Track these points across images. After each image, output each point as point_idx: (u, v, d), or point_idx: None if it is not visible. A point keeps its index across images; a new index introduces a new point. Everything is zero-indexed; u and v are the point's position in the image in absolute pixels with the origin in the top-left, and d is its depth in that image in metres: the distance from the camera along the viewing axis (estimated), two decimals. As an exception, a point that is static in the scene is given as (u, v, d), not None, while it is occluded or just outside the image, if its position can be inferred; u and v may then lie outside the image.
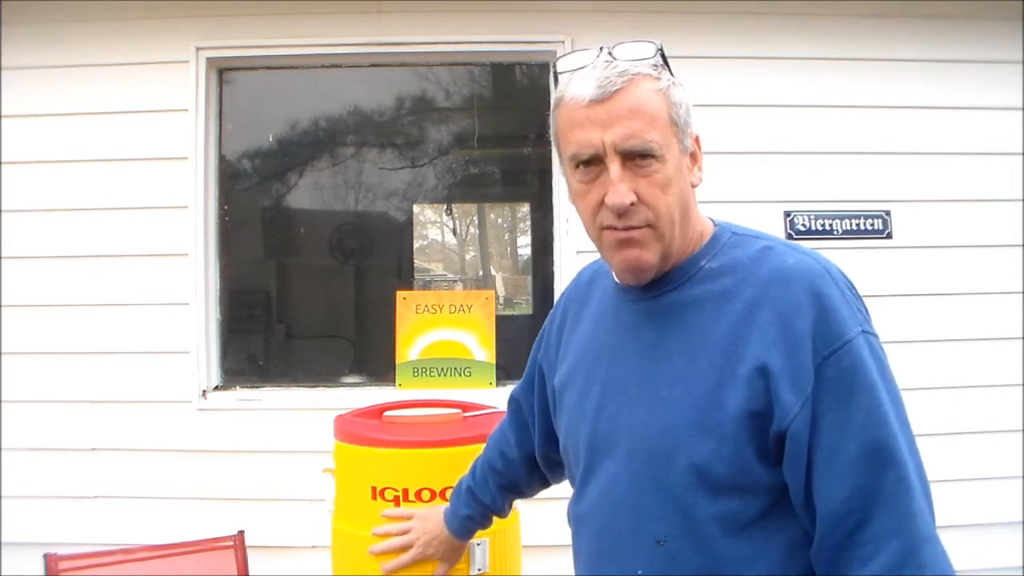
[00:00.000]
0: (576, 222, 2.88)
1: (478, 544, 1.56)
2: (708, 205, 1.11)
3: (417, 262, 3.37)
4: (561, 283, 2.92)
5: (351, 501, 1.76)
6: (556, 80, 1.02)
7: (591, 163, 0.98)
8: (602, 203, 0.97)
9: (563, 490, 1.27)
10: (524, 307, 3.39)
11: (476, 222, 3.62)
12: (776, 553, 0.96)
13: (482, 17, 2.92)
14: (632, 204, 0.96)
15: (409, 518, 1.53)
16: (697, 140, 1.05)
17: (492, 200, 3.55)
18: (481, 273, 3.61)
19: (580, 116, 0.97)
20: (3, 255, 2.88)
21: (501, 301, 3.33)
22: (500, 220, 3.62)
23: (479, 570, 1.56)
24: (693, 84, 1.07)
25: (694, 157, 1.04)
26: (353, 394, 2.87)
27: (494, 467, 1.43)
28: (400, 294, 2.96)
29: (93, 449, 2.84)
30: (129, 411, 2.85)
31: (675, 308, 1.03)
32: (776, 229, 2.83)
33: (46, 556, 1.99)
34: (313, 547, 2.71)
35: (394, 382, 2.91)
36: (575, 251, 2.87)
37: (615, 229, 0.98)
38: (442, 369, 2.90)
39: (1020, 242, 2.91)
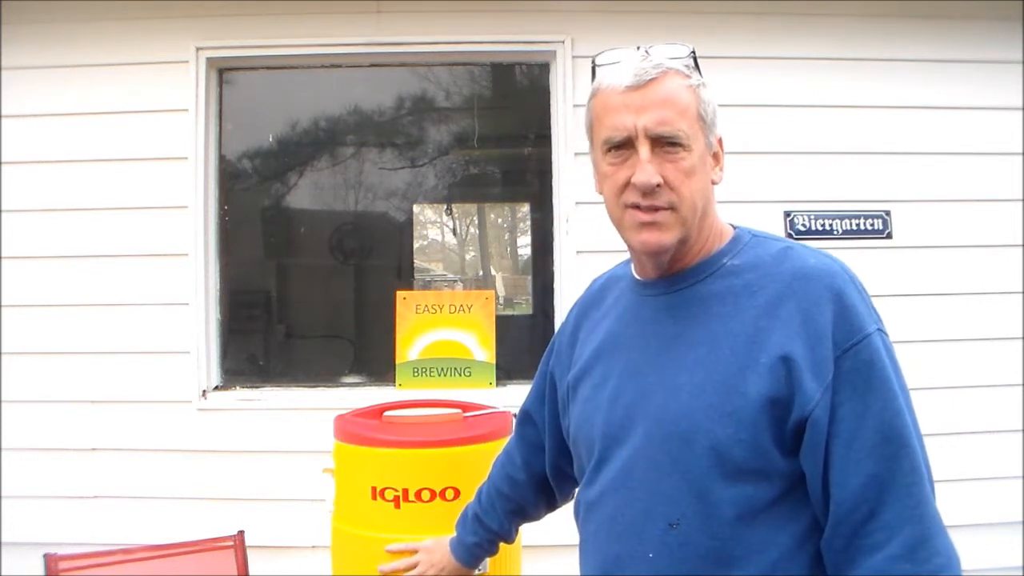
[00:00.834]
0: (576, 222, 2.90)
1: (478, 544, 1.56)
2: (708, 205, 1.11)
3: (417, 262, 3.37)
4: (561, 283, 2.92)
5: (351, 501, 1.76)
6: (594, 74, 1.11)
7: (622, 147, 1.04)
8: (628, 183, 1.03)
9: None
10: (524, 307, 3.39)
11: (476, 222, 3.62)
12: (786, 542, 0.98)
13: (482, 17, 2.92)
14: (658, 185, 1.01)
15: (415, 552, 1.52)
16: (720, 142, 1.11)
17: (492, 200, 3.55)
18: (481, 273, 3.61)
19: (616, 101, 1.04)
20: (3, 255, 2.88)
21: (501, 301, 3.33)
22: (500, 220, 3.62)
23: (480, 571, 1.56)
24: (693, 84, 1.08)
25: (716, 157, 1.10)
26: (353, 394, 2.87)
27: (501, 491, 1.43)
28: (400, 294, 2.96)
29: (93, 449, 2.84)
30: (129, 411, 2.85)
31: (698, 300, 1.06)
32: (776, 229, 2.83)
33: (46, 556, 1.99)
34: (313, 547, 2.71)
35: (394, 382, 2.91)
36: (575, 251, 2.88)
37: (638, 209, 1.03)
38: (442, 369, 2.90)
39: (1020, 242, 2.91)
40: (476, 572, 1.53)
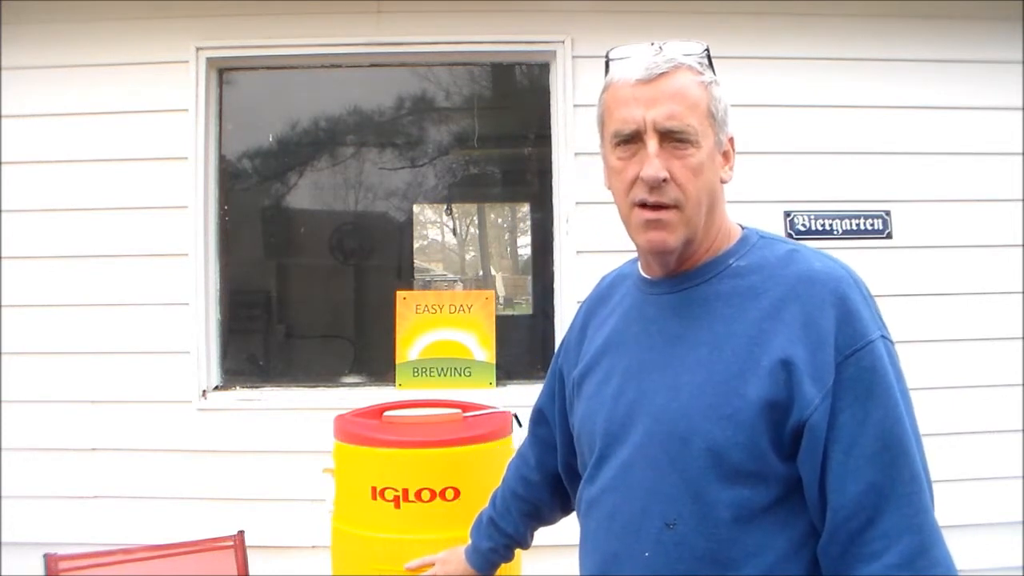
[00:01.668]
0: (576, 222, 2.90)
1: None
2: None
3: (417, 262, 3.37)
4: (561, 283, 2.92)
5: (351, 501, 1.76)
6: (607, 68, 1.09)
7: (631, 141, 1.04)
8: (636, 179, 1.03)
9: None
10: (524, 307, 3.38)
11: (476, 222, 3.62)
12: (782, 547, 0.97)
13: (482, 17, 2.92)
14: (664, 180, 1.01)
15: (431, 565, 1.49)
16: (732, 141, 1.11)
17: (492, 200, 3.55)
18: (481, 273, 3.61)
19: (626, 95, 1.04)
20: (3, 255, 2.88)
21: (501, 301, 3.33)
22: (500, 220, 3.62)
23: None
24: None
25: (727, 156, 1.10)
26: (353, 394, 2.87)
27: (516, 493, 1.42)
28: (400, 294, 2.96)
29: (93, 449, 2.85)
30: (129, 411, 2.85)
31: (703, 301, 1.06)
32: (776, 229, 2.83)
33: (46, 556, 1.99)
34: (313, 547, 2.71)
35: (394, 382, 2.91)
36: (575, 251, 2.87)
37: (645, 207, 1.03)
38: (442, 369, 2.90)
39: (1020, 242, 2.91)
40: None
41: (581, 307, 1.32)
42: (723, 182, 1.10)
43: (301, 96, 3.22)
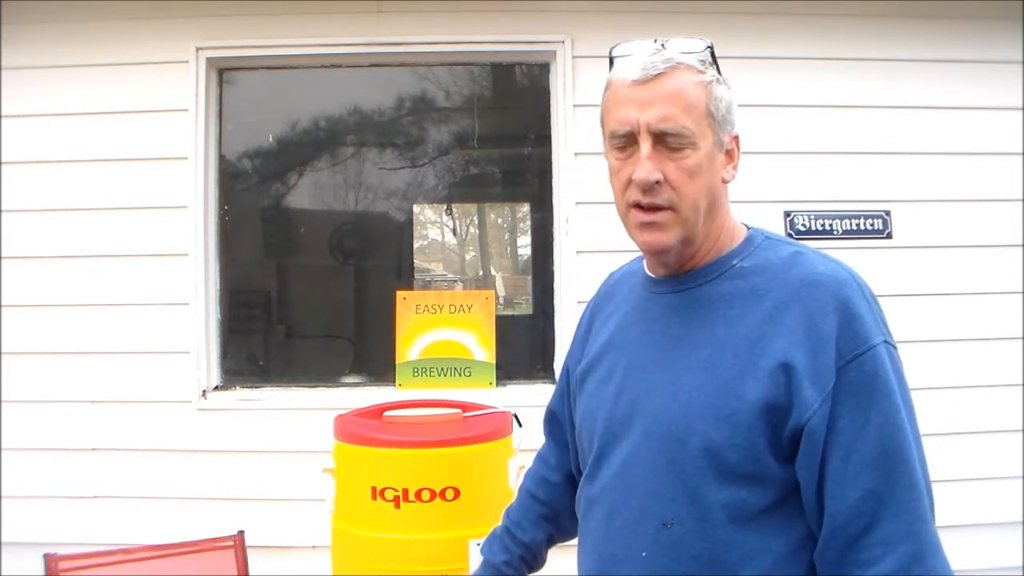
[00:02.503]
0: (576, 222, 2.90)
1: (477, 544, 1.55)
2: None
3: (417, 262, 3.37)
4: (561, 283, 2.92)
5: (351, 501, 1.76)
6: (611, 65, 1.09)
7: (627, 142, 1.03)
8: (631, 181, 1.02)
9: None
10: (524, 307, 3.39)
11: (476, 222, 3.62)
12: (779, 550, 0.97)
13: (482, 17, 2.92)
14: (657, 183, 1.01)
15: None
16: (736, 139, 1.10)
17: (492, 200, 3.55)
18: (481, 273, 3.61)
19: (622, 95, 1.03)
20: (3, 255, 2.88)
21: (501, 301, 3.33)
22: (500, 220, 3.62)
23: None
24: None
25: (730, 155, 1.10)
26: (353, 394, 2.86)
27: (535, 496, 1.36)
28: (400, 294, 2.96)
29: (93, 449, 2.85)
30: (129, 411, 2.85)
31: (705, 301, 1.06)
32: (776, 229, 2.82)
33: (46, 556, 1.98)
34: (313, 547, 2.71)
35: (394, 382, 2.91)
36: (575, 251, 2.87)
37: (640, 208, 1.03)
38: (442, 369, 2.90)
39: (1020, 242, 2.91)
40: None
41: (589, 304, 1.31)
42: (725, 182, 1.09)
43: (301, 96, 3.22)
